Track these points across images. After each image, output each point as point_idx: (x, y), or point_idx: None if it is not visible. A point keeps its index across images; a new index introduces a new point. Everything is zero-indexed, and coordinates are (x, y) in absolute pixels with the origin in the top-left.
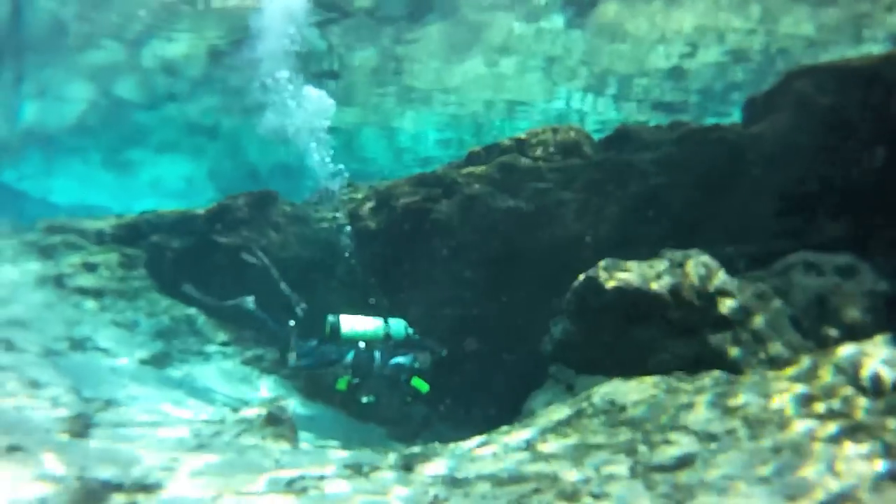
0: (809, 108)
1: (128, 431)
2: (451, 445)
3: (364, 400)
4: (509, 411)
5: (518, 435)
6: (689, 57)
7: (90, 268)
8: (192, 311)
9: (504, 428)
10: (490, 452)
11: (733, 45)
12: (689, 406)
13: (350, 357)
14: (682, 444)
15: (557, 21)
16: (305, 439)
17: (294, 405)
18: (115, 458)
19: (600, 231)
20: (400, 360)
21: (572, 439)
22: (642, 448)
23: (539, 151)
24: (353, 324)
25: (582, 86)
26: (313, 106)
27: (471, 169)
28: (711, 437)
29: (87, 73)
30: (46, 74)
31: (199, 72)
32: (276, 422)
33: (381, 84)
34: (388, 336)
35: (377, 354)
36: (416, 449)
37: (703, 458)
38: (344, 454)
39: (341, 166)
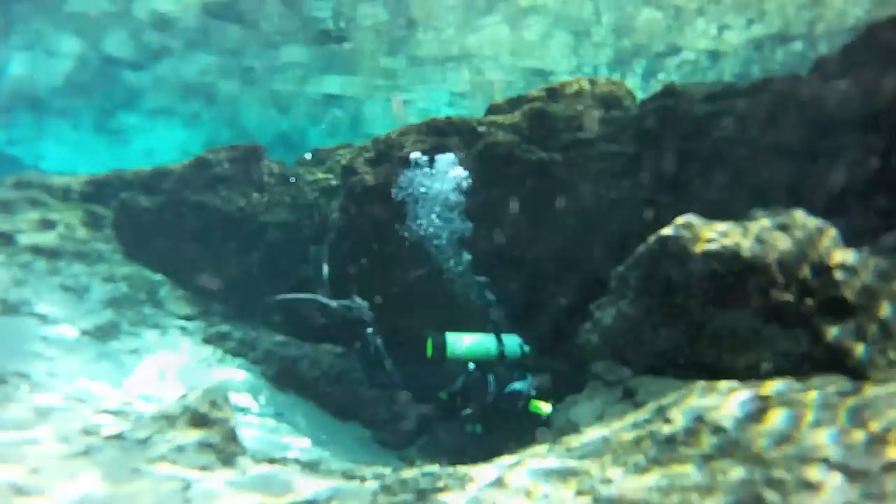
0: None
1: (2, 421)
2: (462, 471)
3: (469, 429)
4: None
5: (563, 462)
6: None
7: (48, 225)
8: (158, 277)
9: (538, 449)
10: (523, 487)
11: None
12: (816, 426)
13: (459, 382)
14: (828, 488)
15: None
16: (262, 445)
17: (257, 397)
18: None
19: (656, 193)
20: (517, 386)
21: (653, 476)
22: (771, 496)
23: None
24: (462, 343)
25: (609, 59)
26: None
27: (493, 117)
28: (863, 476)
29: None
30: (35, 25)
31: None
32: (204, 424)
33: (391, 49)
34: (502, 355)
35: (491, 379)
36: (412, 474)
37: None
38: (305, 482)
39: None
